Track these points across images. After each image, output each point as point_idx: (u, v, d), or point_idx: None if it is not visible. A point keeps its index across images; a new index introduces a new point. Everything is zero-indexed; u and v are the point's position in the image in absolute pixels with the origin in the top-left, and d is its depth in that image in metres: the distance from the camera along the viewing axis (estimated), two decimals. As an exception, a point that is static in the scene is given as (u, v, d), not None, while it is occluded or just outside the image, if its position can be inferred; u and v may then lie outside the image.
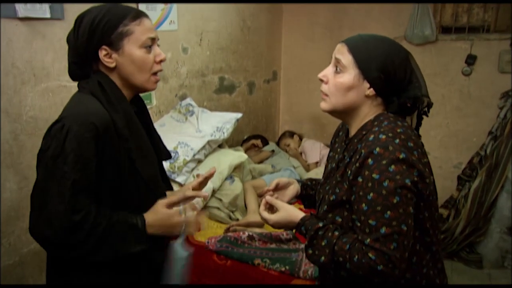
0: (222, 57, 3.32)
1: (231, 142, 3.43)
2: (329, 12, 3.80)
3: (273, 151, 3.56)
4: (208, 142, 2.67)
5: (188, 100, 2.93)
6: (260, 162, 3.43)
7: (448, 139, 3.51)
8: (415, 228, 1.15)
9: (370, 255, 1.06)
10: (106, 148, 1.17)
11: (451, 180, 3.42)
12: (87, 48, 1.20)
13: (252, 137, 3.68)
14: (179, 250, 1.31)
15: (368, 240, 1.07)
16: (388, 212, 1.06)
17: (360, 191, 1.11)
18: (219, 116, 2.90)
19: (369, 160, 1.10)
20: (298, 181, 1.50)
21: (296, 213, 1.27)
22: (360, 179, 1.12)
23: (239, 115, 2.92)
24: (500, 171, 3.07)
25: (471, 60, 3.31)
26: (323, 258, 1.15)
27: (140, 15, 1.24)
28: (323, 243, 1.16)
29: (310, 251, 1.19)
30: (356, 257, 1.08)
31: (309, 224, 1.21)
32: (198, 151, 2.60)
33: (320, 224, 1.19)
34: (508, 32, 3.19)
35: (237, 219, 2.64)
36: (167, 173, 2.30)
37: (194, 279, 2.16)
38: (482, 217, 3.13)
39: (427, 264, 1.21)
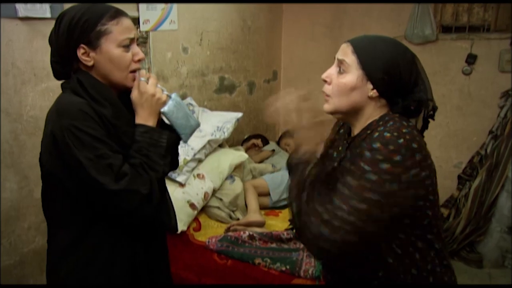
0: (222, 57, 3.32)
1: (231, 142, 3.43)
2: (329, 11, 3.80)
3: (273, 150, 3.56)
4: (209, 142, 2.67)
5: (189, 100, 2.93)
6: (261, 161, 3.43)
7: (448, 139, 3.51)
8: (415, 227, 1.15)
9: (335, 236, 1.05)
10: (102, 128, 1.19)
11: (451, 180, 3.42)
12: (67, 46, 1.22)
13: (252, 137, 3.67)
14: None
15: (336, 222, 1.05)
16: (363, 205, 1.05)
17: (347, 175, 1.10)
18: (220, 115, 2.90)
19: (366, 153, 1.09)
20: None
21: (306, 145, 1.24)
22: (349, 165, 1.12)
23: (239, 114, 2.92)
24: (501, 170, 3.07)
25: (471, 59, 3.30)
26: (295, 208, 1.14)
27: (118, 14, 1.24)
28: (303, 195, 1.14)
29: (290, 195, 1.18)
30: (325, 231, 1.06)
31: (299, 169, 1.19)
32: (199, 151, 2.60)
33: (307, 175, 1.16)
34: (508, 31, 3.19)
35: (238, 219, 2.64)
36: (168, 172, 2.31)
37: (194, 279, 2.17)
38: (482, 216, 3.13)
39: (432, 260, 1.21)
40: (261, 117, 3.99)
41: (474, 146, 3.35)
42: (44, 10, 1.96)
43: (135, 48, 1.27)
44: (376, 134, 1.13)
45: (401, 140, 1.08)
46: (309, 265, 2.05)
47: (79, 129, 1.14)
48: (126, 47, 1.25)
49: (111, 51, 1.23)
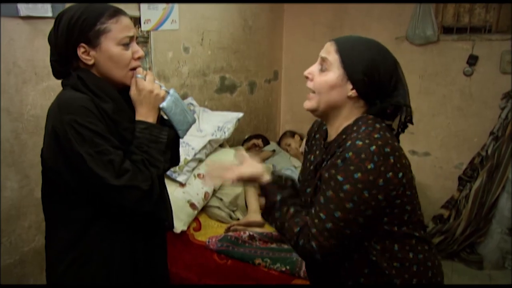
0: (223, 56, 3.32)
1: (232, 142, 3.43)
2: (330, 11, 3.80)
3: (274, 150, 3.56)
4: (209, 142, 2.67)
5: (189, 100, 2.93)
6: (261, 162, 3.43)
7: (449, 139, 3.51)
8: (394, 223, 1.20)
9: (313, 243, 1.15)
10: (104, 124, 1.20)
11: (452, 181, 3.42)
12: (66, 46, 1.23)
13: (253, 137, 3.67)
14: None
15: (314, 230, 1.15)
16: (338, 213, 1.13)
17: (323, 185, 1.18)
18: (220, 115, 2.90)
19: (339, 162, 1.14)
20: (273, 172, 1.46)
21: (261, 178, 1.31)
22: (326, 175, 1.17)
23: (240, 114, 2.92)
24: (501, 171, 3.07)
25: (472, 60, 3.30)
26: (274, 225, 1.27)
27: (118, 13, 1.25)
28: (276, 215, 1.25)
29: (265, 216, 1.31)
30: (302, 241, 1.17)
31: (269, 193, 1.28)
32: (199, 151, 2.60)
33: (278, 198, 1.26)
34: (509, 32, 3.19)
35: (238, 219, 2.64)
36: (168, 172, 2.31)
37: (194, 279, 2.17)
38: (483, 217, 3.13)
39: (412, 249, 1.24)
40: (262, 117, 3.99)
41: (475, 147, 3.35)
42: (46, 9, 1.96)
43: (134, 46, 1.28)
44: (349, 142, 1.16)
45: (373, 147, 1.12)
46: (309, 266, 2.05)
47: (81, 124, 1.14)
48: (126, 45, 1.25)
49: (111, 50, 1.23)
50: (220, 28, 3.23)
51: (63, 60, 1.26)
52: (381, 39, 1.27)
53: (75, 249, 1.28)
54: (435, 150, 3.51)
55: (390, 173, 1.12)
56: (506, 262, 3.17)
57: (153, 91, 1.29)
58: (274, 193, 1.27)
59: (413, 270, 1.22)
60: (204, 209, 2.60)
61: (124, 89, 1.32)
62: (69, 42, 1.22)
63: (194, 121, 1.43)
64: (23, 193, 2.03)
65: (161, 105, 1.32)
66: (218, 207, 2.62)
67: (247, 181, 1.34)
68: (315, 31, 3.91)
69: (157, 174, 1.24)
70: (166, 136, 1.29)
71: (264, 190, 1.31)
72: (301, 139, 3.83)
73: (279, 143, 3.81)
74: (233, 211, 2.68)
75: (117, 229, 1.29)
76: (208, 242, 2.28)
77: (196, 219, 2.52)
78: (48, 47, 2.02)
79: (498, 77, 3.25)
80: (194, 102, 2.94)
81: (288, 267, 2.06)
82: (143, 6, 2.50)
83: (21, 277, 2.08)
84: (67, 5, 2.03)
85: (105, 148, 1.16)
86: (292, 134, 3.84)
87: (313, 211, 1.18)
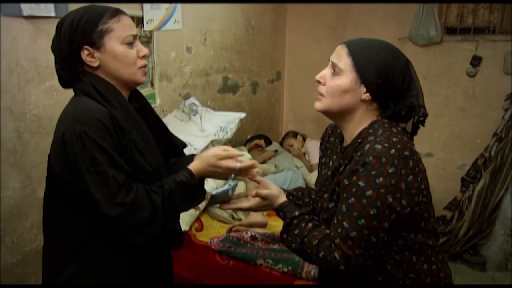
0: (226, 56, 3.32)
1: (234, 142, 3.43)
2: (333, 12, 3.79)
3: (276, 151, 3.55)
4: (212, 142, 2.67)
5: (192, 100, 2.93)
6: (264, 162, 3.43)
7: (452, 140, 3.50)
8: (411, 231, 1.18)
9: (335, 254, 1.11)
10: (115, 140, 1.18)
11: (455, 182, 3.41)
12: (70, 50, 1.21)
13: (255, 137, 3.67)
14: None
15: (338, 240, 1.12)
16: (362, 220, 1.10)
17: (344, 193, 1.15)
18: (223, 115, 2.90)
19: (360, 168, 1.12)
20: (284, 190, 1.50)
21: (277, 199, 1.34)
22: (346, 182, 1.15)
23: (242, 115, 2.92)
24: (505, 173, 3.06)
25: (476, 61, 3.29)
26: (294, 245, 1.23)
27: (118, 12, 1.25)
28: (295, 232, 1.23)
29: (284, 236, 1.27)
30: (322, 253, 1.14)
31: (287, 211, 1.28)
32: (202, 151, 2.60)
33: (296, 213, 1.25)
34: (513, 33, 3.18)
35: (240, 219, 2.64)
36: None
37: (196, 279, 2.16)
38: (486, 219, 3.11)
39: (428, 260, 1.23)
40: (265, 118, 3.98)
41: (478, 148, 3.34)
42: (49, 9, 1.96)
43: (138, 45, 1.28)
44: (367, 146, 1.14)
45: (393, 151, 1.11)
46: (311, 267, 2.04)
47: (90, 137, 1.12)
48: (130, 44, 1.25)
49: (116, 49, 1.22)
50: (223, 28, 3.23)
51: (69, 66, 1.24)
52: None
53: (79, 257, 1.26)
54: (438, 151, 3.50)
55: (411, 176, 1.11)
56: (509, 264, 3.16)
57: (229, 169, 1.33)
58: (292, 211, 1.27)
59: (427, 281, 1.22)
60: (206, 209, 2.60)
61: (134, 98, 1.33)
62: (73, 46, 1.20)
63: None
64: (25, 192, 2.03)
65: (213, 192, 1.38)
66: (220, 208, 2.61)
67: (264, 200, 1.38)
68: (318, 31, 3.90)
69: (165, 224, 1.25)
70: (198, 202, 1.34)
71: (280, 211, 1.31)
72: (304, 139, 3.82)
73: (281, 144, 3.81)
74: (235, 212, 2.68)
75: (119, 241, 1.27)
76: (210, 242, 2.27)
77: (198, 219, 2.52)
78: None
79: (501, 78, 3.24)
80: (197, 102, 2.93)
81: (290, 268, 2.06)
82: (146, 6, 2.50)
83: (23, 276, 2.08)
84: (70, 5, 2.05)
85: (105, 169, 1.13)
86: (295, 134, 3.83)
87: (335, 220, 1.15)
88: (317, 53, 3.89)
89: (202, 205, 2.48)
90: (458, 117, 3.44)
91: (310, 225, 1.21)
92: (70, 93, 2.11)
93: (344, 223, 1.11)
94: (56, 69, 1.28)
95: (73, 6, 2.08)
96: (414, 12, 3.34)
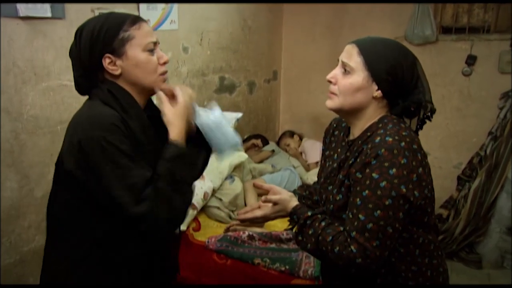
0: (222, 56, 3.32)
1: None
2: (329, 11, 3.80)
3: (273, 150, 3.56)
4: (209, 142, 2.67)
5: (189, 100, 2.93)
6: (260, 161, 3.43)
7: (448, 139, 3.51)
8: (415, 225, 1.21)
9: (352, 247, 1.12)
10: (130, 144, 1.17)
11: (451, 180, 3.42)
12: (91, 58, 1.20)
13: (252, 137, 3.68)
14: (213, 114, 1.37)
15: (354, 233, 1.13)
16: (378, 211, 1.11)
17: (357, 186, 1.16)
18: (220, 115, 2.89)
19: (372, 160, 1.14)
20: (295, 193, 1.51)
21: (289, 204, 1.34)
22: (359, 175, 1.16)
23: (239, 114, 2.92)
24: (500, 171, 3.08)
25: (471, 60, 3.31)
26: (309, 245, 1.23)
27: (138, 20, 1.25)
28: (310, 232, 1.23)
29: (300, 238, 1.27)
30: (337, 248, 1.14)
31: (300, 213, 1.28)
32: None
33: (309, 213, 1.26)
34: (508, 32, 3.19)
35: (237, 219, 2.64)
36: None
37: (194, 279, 2.17)
38: (481, 217, 3.13)
39: (430, 254, 1.26)
40: (261, 117, 3.99)
41: (473, 147, 3.36)
42: (45, 9, 1.96)
43: (159, 52, 1.27)
44: (378, 139, 1.16)
45: (403, 143, 1.14)
46: (309, 265, 2.05)
47: (110, 142, 1.12)
48: (151, 51, 1.24)
49: (138, 56, 1.22)
50: (219, 28, 3.24)
51: (88, 74, 1.24)
52: (380, 39, 1.28)
53: (84, 262, 1.25)
54: (434, 150, 3.52)
55: (420, 169, 1.14)
56: (505, 262, 3.17)
57: (189, 106, 1.30)
58: (304, 212, 1.27)
59: (428, 274, 1.25)
60: (204, 209, 2.61)
61: (148, 107, 1.32)
62: (94, 54, 1.20)
63: (237, 144, 1.39)
64: (23, 193, 2.03)
65: (196, 121, 1.32)
66: (218, 207, 2.62)
67: (276, 206, 1.37)
68: (314, 31, 3.91)
69: (183, 204, 1.22)
70: (201, 163, 1.32)
71: (294, 214, 1.31)
72: (300, 139, 3.83)
73: (278, 143, 3.81)
74: (233, 211, 2.69)
75: (131, 245, 1.27)
76: (208, 242, 2.28)
77: (195, 219, 2.52)
78: (48, 47, 2.04)
79: (496, 77, 3.25)
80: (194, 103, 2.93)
81: (287, 267, 2.07)
82: (142, 6, 2.50)
83: (21, 277, 2.08)
84: (67, 5, 2.05)
85: (129, 170, 1.13)
86: (291, 134, 3.84)
87: (350, 214, 1.16)
88: (313, 52, 3.90)
89: (199, 204, 2.49)
90: (454, 116, 3.46)
91: (323, 223, 1.21)
92: (67, 93, 2.12)
93: (360, 216, 1.12)
94: (75, 77, 1.27)
95: (71, 6, 2.09)
96: (410, 12, 3.36)
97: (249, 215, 1.43)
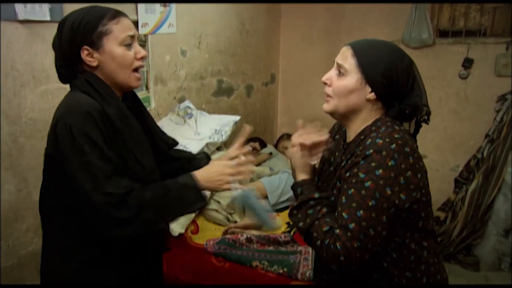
0: (220, 60, 3.33)
1: (229, 145, 3.42)
2: (327, 15, 3.82)
3: (271, 153, 3.57)
4: (207, 145, 2.68)
5: (187, 103, 2.94)
6: (258, 164, 3.43)
7: (445, 142, 3.53)
8: (409, 229, 1.20)
9: (337, 244, 1.10)
10: (105, 135, 1.20)
11: (448, 183, 3.43)
12: (71, 49, 1.25)
13: (250, 140, 3.68)
14: (250, 196, 1.35)
15: (338, 231, 1.12)
16: (361, 211, 1.10)
17: (344, 184, 1.16)
18: (218, 118, 2.91)
19: (361, 160, 1.14)
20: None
21: (301, 172, 1.31)
22: (348, 174, 1.16)
23: (237, 117, 2.93)
24: (497, 173, 3.09)
25: (468, 63, 3.33)
26: (301, 224, 1.21)
27: (118, 14, 1.28)
28: (309, 211, 1.20)
29: (294, 212, 1.25)
30: (328, 241, 1.13)
31: (306, 189, 1.25)
32: (197, 153, 2.60)
33: (316, 195, 1.22)
34: (504, 36, 3.22)
35: (235, 221, 2.64)
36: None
37: (192, 281, 2.17)
38: (479, 219, 3.14)
39: (425, 261, 1.24)
40: (259, 120, 4.00)
41: (470, 149, 3.37)
42: (44, 13, 1.96)
43: (137, 47, 1.31)
44: (369, 141, 1.16)
45: (394, 146, 1.13)
46: (306, 268, 2.05)
47: (79, 130, 1.16)
48: (128, 45, 1.28)
49: (114, 50, 1.26)
50: (217, 32, 3.25)
51: (68, 64, 1.28)
52: (377, 43, 1.28)
53: (75, 258, 1.28)
54: (431, 153, 3.53)
55: (410, 172, 1.13)
56: (502, 264, 3.18)
57: (228, 174, 1.32)
58: (312, 190, 1.24)
59: (423, 281, 1.23)
60: (202, 211, 2.61)
61: (127, 98, 1.35)
62: (73, 45, 1.24)
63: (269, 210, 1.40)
64: (21, 196, 2.03)
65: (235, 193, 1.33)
66: (216, 210, 2.62)
67: (307, 151, 1.32)
68: (312, 34, 3.93)
69: (148, 225, 1.23)
70: (195, 206, 1.31)
71: (299, 186, 1.28)
72: (298, 142, 3.83)
73: (276, 146, 3.82)
74: (231, 214, 2.69)
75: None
76: (206, 244, 2.28)
77: (193, 221, 2.52)
78: (47, 51, 2.04)
79: (493, 80, 3.27)
80: (192, 105, 2.94)
81: (285, 270, 2.07)
82: (141, 9, 2.51)
83: (19, 280, 2.07)
84: (65, 6, 2.06)
85: (94, 160, 1.16)
86: (289, 136, 3.83)
87: (336, 212, 1.16)
88: (311, 56, 3.92)
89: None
90: (451, 119, 3.48)
91: (325, 209, 1.19)
92: (65, 96, 2.12)
93: (344, 214, 1.12)
94: (56, 66, 1.31)
95: (70, 9, 2.09)
96: (407, 15, 3.38)
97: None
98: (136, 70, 1.31)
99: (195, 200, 1.29)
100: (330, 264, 1.14)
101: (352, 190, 1.13)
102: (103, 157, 1.17)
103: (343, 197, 1.14)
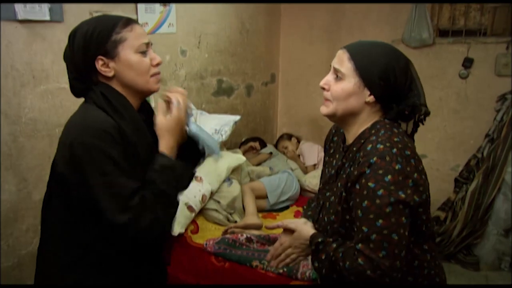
0: (220, 59, 3.33)
1: (229, 145, 3.44)
2: (327, 15, 3.81)
3: (271, 153, 3.57)
4: (207, 145, 2.67)
5: (187, 103, 2.93)
6: (258, 164, 3.44)
7: (445, 142, 3.53)
8: (412, 234, 1.18)
9: (359, 260, 1.10)
10: (122, 151, 1.18)
11: (448, 183, 3.43)
12: (84, 61, 1.22)
13: (250, 140, 3.68)
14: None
15: (360, 245, 1.11)
16: (380, 221, 1.09)
17: (357, 198, 1.15)
18: (218, 118, 2.90)
19: (366, 169, 1.13)
20: (307, 215, 1.51)
21: (304, 232, 1.32)
22: (357, 186, 1.15)
23: (237, 117, 2.93)
24: (497, 173, 3.09)
25: (468, 63, 3.32)
26: (324, 270, 1.21)
27: (131, 22, 1.26)
28: (323, 257, 1.21)
29: (316, 264, 1.25)
30: (348, 263, 1.12)
31: (312, 240, 1.27)
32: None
33: (319, 240, 1.24)
34: (504, 35, 3.21)
35: (235, 221, 2.65)
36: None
37: (192, 281, 2.17)
38: (479, 219, 3.14)
39: (428, 265, 1.25)
40: (259, 120, 4.00)
41: (471, 149, 3.37)
42: (44, 13, 1.97)
43: (151, 53, 1.29)
44: (369, 146, 1.16)
45: (395, 150, 1.13)
46: (306, 268, 2.05)
47: (99, 150, 1.13)
48: (143, 52, 1.26)
49: (130, 58, 1.23)
50: (217, 31, 3.24)
51: (82, 76, 1.25)
52: (377, 42, 1.28)
53: (77, 266, 1.26)
54: (432, 153, 3.53)
55: (416, 174, 1.13)
56: (502, 263, 3.18)
57: (183, 119, 1.29)
58: (317, 237, 1.27)
59: (424, 284, 1.24)
60: (202, 211, 2.61)
61: (143, 109, 1.33)
62: (87, 56, 1.21)
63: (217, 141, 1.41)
64: (21, 196, 2.03)
65: (190, 130, 1.32)
66: (216, 210, 2.62)
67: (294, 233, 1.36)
68: (312, 34, 3.92)
69: (166, 215, 1.24)
70: (188, 176, 1.32)
71: (311, 244, 1.29)
72: (298, 141, 3.84)
73: (276, 146, 3.82)
74: (231, 214, 2.69)
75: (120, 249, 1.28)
76: (206, 244, 2.28)
77: (193, 221, 2.52)
78: (46, 51, 2.04)
79: (493, 79, 3.27)
80: (192, 105, 2.94)
81: (285, 269, 2.07)
82: (141, 9, 2.51)
83: (19, 280, 2.08)
84: (65, 8, 2.06)
85: (116, 178, 1.14)
86: (289, 136, 3.85)
87: (355, 227, 1.15)
88: (311, 55, 3.92)
89: (197, 206, 2.49)
90: (451, 118, 3.47)
91: (334, 245, 1.20)
92: (65, 96, 2.12)
93: (363, 228, 1.11)
94: (69, 79, 1.28)
95: (69, 9, 2.09)
96: (407, 15, 3.37)
97: (280, 251, 1.40)
98: (153, 75, 1.29)
99: (183, 171, 1.29)
100: (362, 284, 1.12)
101: (366, 202, 1.11)
102: (126, 174, 1.16)
103: (359, 211, 1.13)
